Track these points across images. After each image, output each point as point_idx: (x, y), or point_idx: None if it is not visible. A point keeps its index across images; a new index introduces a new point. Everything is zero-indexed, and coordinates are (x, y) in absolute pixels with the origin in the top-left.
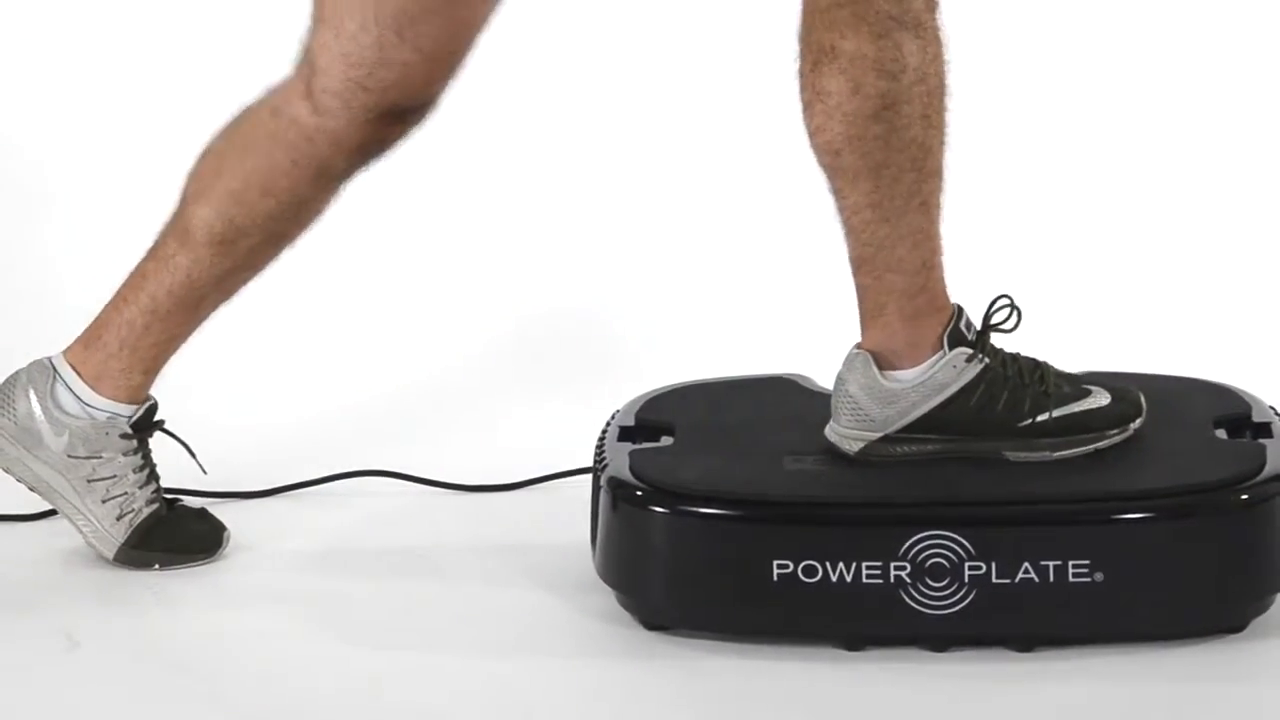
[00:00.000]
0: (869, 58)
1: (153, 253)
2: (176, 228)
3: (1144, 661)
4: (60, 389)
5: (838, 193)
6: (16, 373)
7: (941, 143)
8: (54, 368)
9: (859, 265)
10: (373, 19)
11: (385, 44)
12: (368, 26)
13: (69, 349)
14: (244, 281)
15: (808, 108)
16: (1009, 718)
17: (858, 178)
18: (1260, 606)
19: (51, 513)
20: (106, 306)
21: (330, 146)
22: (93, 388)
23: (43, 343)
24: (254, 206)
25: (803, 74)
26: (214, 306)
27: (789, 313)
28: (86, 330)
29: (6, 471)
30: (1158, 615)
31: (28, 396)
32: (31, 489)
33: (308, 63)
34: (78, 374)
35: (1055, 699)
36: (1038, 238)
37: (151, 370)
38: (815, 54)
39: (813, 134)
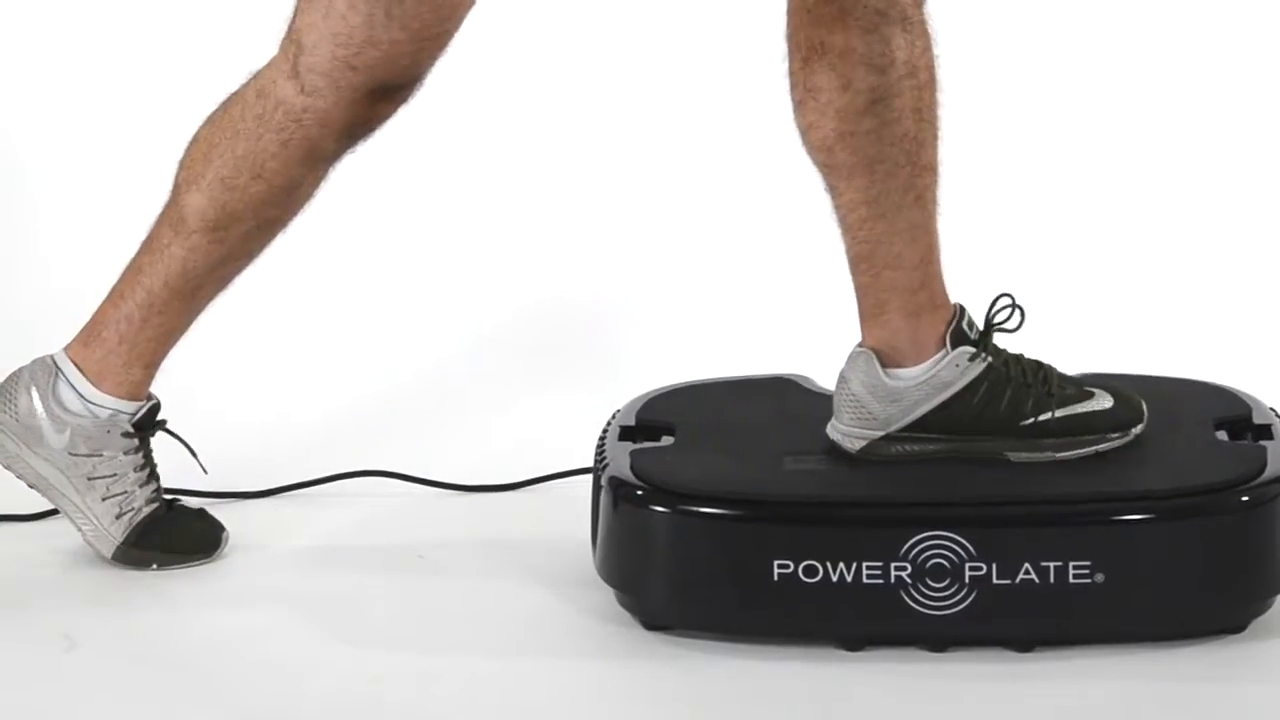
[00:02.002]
0: (857, 52)
1: (147, 245)
2: (170, 217)
3: (1144, 662)
4: (63, 386)
5: (833, 190)
6: (19, 370)
7: (935, 136)
8: (56, 365)
9: (857, 263)
10: None
11: (374, 23)
12: (356, 5)
13: (69, 346)
14: (239, 270)
15: (799, 106)
16: (1009, 718)
17: (852, 174)
18: (1260, 608)
19: (51, 513)
20: (104, 302)
21: (318, 126)
22: (95, 385)
23: (40, 343)
24: (245, 191)
25: (792, 72)
26: (210, 297)
27: (789, 313)
28: (85, 327)
29: (7, 468)
30: (1158, 617)
31: (30, 394)
32: (32, 486)
33: (294, 41)
34: (80, 371)
35: (1055, 699)
36: (1038, 239)
37: (151, 365)
38: (804, 51)
39: (805, 131)
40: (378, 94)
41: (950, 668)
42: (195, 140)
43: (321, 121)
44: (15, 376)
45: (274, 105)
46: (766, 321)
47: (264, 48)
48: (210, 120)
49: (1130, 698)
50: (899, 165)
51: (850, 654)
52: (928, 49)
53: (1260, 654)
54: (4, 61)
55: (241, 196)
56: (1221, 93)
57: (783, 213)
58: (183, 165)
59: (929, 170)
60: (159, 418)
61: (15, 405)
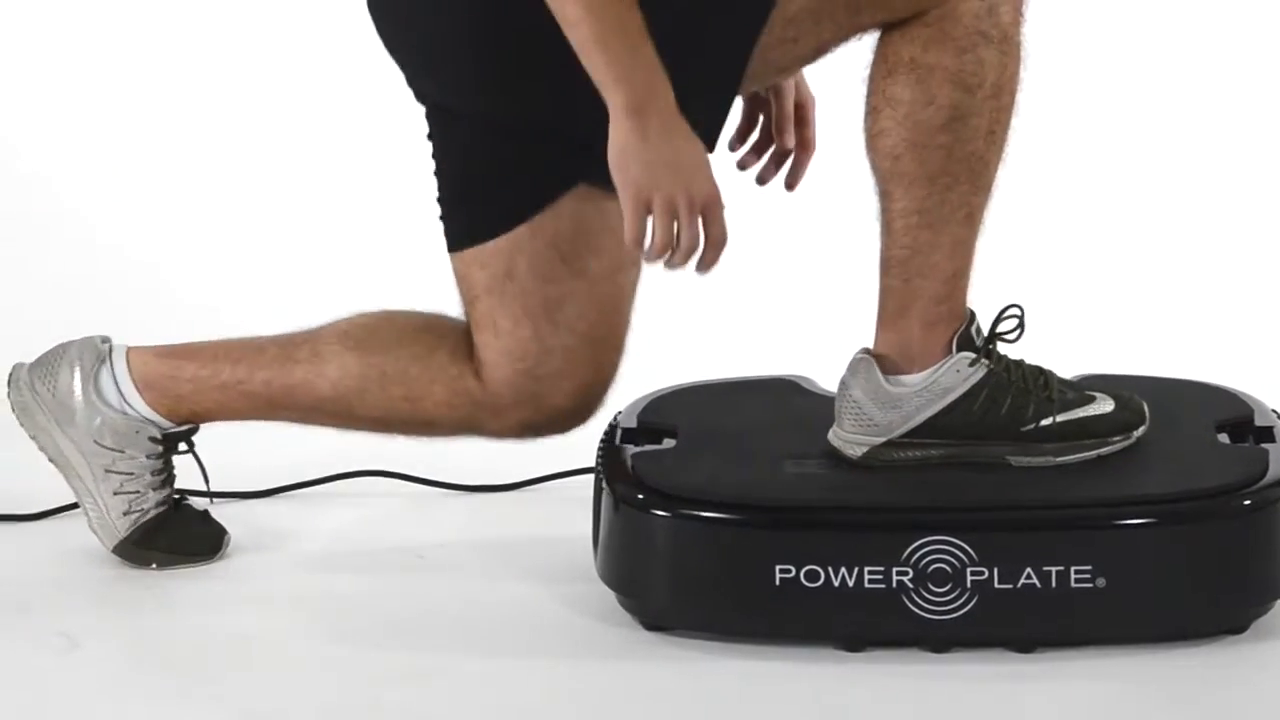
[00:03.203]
0: (949, 70)
1: (281, 343)
2: (315, 346)
3: (1145, 663)
4: (105, 376)
5: (886, 195)
6: (67, 344)
7: (1000, 158)
8: (109, 354)
9: (890, 266)
10: (523, 313)
11: (542, 333)
12: (520, 321)
13: (137, 349)
14: (324, 425)
15: (873, 112)
16: (1009, 718)
17: (912, 184)
18: (1262, 610)
19: (51, 513)
20: (205, 343)
21: (491, 413)
22: (139, 391)
23: (38, 345)
24: (390, 394)
25: (874, 79)
26: (284, 421)
27: (791, 313)
28: (170, 347)
29: (32, 437)
30: (1160, 621)
31: (72, 372)
32: (51, 460)
33: (477, 357)
34: (129, 371)
35: (1056, 699)
36: (1039, 240)
37: (196, 418)
38: (891, 63)
39: (873, 137)
40: (557, 410)
41: (951, 669)
42: (382, 314)
43: (496, 411)
44: (62, 350)
45: (459, 375)
46: (768, 322)
47: (263, 49)
48: (409, 316)
49: (1131, 699)
50: (959, 181)
51: (851, 655)
52: (1017, 71)
53: (1261, 655)
54: (4, 62)
55: (381, 397)
56: (1221, 94)
57: (785, 213)
58: (356, 319)
59: (986, 190)
60: (191, 440)
61: (55, 380)
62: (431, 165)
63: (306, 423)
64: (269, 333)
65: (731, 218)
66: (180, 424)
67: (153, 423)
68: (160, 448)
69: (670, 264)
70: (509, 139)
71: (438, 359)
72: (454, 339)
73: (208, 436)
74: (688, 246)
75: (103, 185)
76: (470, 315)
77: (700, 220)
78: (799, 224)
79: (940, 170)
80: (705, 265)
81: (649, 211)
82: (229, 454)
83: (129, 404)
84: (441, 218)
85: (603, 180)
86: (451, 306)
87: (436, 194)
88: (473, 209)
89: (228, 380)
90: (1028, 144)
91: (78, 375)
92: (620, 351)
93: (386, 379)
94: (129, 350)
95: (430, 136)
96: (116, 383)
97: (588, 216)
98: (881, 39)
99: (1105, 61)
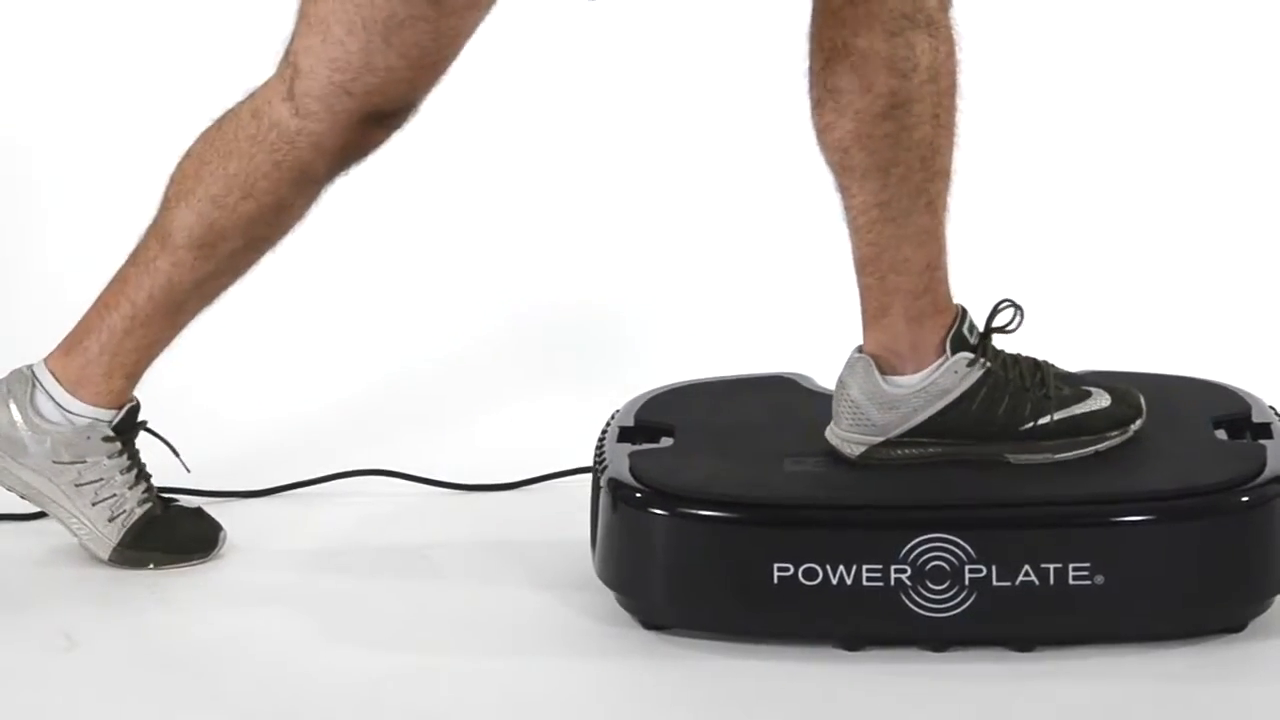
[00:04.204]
0: (881, 55)
1: (134, 257)
2: (158, 231)
3: (1143, 661)
4: (40, 396)
5: (845, 191)
6: None
7: (951, 143)
8: (34, 375)
9: (863, 265)
10: (360, 24)
11: (372, 49)
12: (355, 31)
13: (50, 356)
14: (225, 286)
15: (817, 105)
16: (1009, 717)
17: (866, 176)
18: (1260, 607)
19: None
20: (88, 312)
21: (312, 149)
22: (72, 394)
23: (35, 346)
24: (235, 209)
25: (813, 71)
26: (194, 312)
27: (789, 311)
28: (68, 336)
29: None
30: (1158, 617)
31: (8, 406)
32: (23, 496)
33: (290, 65)
34: (57, 380)
35: (1055, 698)
36: (1036, 237)
37: (133, 375)
38: (827, 52)
39: (821, 131)
40: (372, 120)
41: (950, 667)
42: (187, 156)
43: (315, 145)
44: None
45: (268, 126)
46: (766, 320)
47: (262, 50)
48: (203, 137)
49: (1130, 697)
50: (913, 170)
51: (849, 654)
52: (951, 54)
53: (1260, 654)
54: (5, 64)
55: (230, 215)
56: (1221, 92)
57: (782, 211)
58: (173, 180)
59: (942, 176)
60: (139, 419)
61: None
62: None
63: (212, 296)
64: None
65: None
66: (122, 402)
67: (99, 420)
68: (117, 444)
69: None
70: None
71: (242, 136)
72: (246, 106)
73: (207, 436)
74: None
75: (104, 186)
76: (304, 9)
77: None
78: (794, 221)
79: (891, 160)
80: None
81: None
82: (228, 453)
83: (69, 411)
84: None
85: None
86: (451, 306)
87: None
88: None
89: (124, 325)
90: (1026, 140)
91: (13, 406)
92: (440, 78)
93: (221, 199)
94: (45, 363)
95: None
96: (52, 398)
97: None
98: (812, 25)
99: (1104, 57)
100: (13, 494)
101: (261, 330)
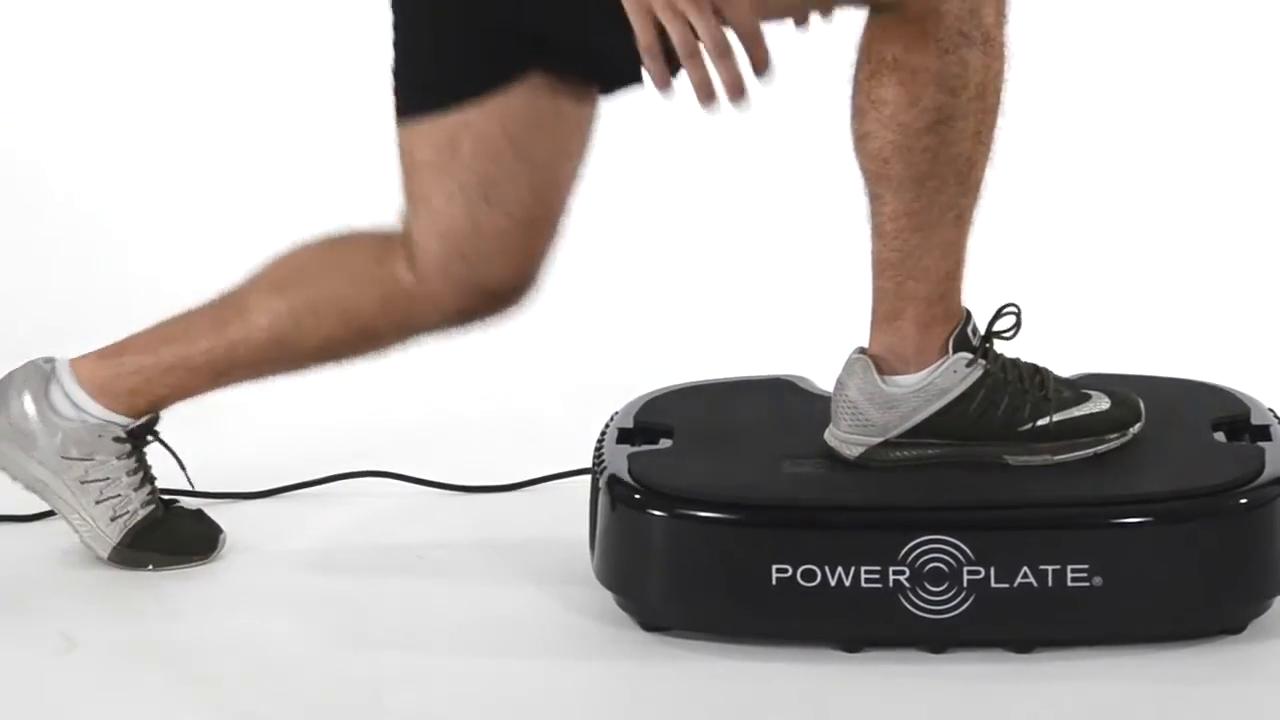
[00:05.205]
0: (932, 71)
1: (209, 310)
2: (240, 302)
3: (1142, 662)
4: (56, 392)
5: (876, 198)
6: (10, 373)
7: (986, 158)
8: (54, 371)
9: (882, 268)
10: (457, 190)
11: (475, 213)
12: (455, 198)
13: (80, 358)
14: (279, 374)
15: (859, 113)
16: (1006, 718)
17: (900, 187)
18: (1259, 609)
19: (50, 513)
20: (141, 332)
21: (428, 304)
22: (93, 397)
23: (37, 345)
24: (325, 321)
25: (858, 81)
26: (239, 382)
27: (788, 313)
28: (110, 347)
29: (3, 469)
30: (1157, 620)
31: (22, 397)
32: (28, 488)
33: (406, 236)
34: (79, 383)
35: (1054, 699)
36: (1036, 239)
37: (156, 405)
38: (874, 64)
39: (860, 139)
40: (488, 292)
41: (949, 668)
42: (301, 250)
43: (433, 303)
44: (7, 380)
45: (389, 275)
46: (765, 321)
47: (261, 50)
48: (325, 244)
49: (1129, 699)
50: (947, 183)
51: (848, 655)
52: (1001, 72)
53: (1259, 655)
54: (6, 64)
55: (319, 325)
56: (1220, 93)
57: (783, 213)
58: (275, 265)
59: (974, 190)
60: (155, 429)
61: (8, 409)
62: (390, 35)
63: (258, 377)
64: (197, 304)
65: (729, 217)
66: (140, 417)
67: (113, 423)
68: (127, 446)
69: (706, 91)
70: (468, 15)
71: (361, 267)
72: (374, 244)
73: (206, 437)
74: (713, 44)
75: (107, 187)
76: (407, 190)
77: (717, 12)
78: (794, 222)
79: (928, 173)
80: (757, 64)
81: (654, 16)
82: (229, 455)
83: (85, 410)
84: (393, 86)
85: (559, 69)
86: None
87: (391, 64)
88: (426, 79)
89: (171, 361)
90: (1025, 143)
91: (28, 398)
92: (552, 239)
93: (317, 308)
94: (72, 362)
95: (392, 5)
96: (68, 395)
97: (540, 105)
98: (864, 35)
99: (1103, 60)
100: (15, 487)
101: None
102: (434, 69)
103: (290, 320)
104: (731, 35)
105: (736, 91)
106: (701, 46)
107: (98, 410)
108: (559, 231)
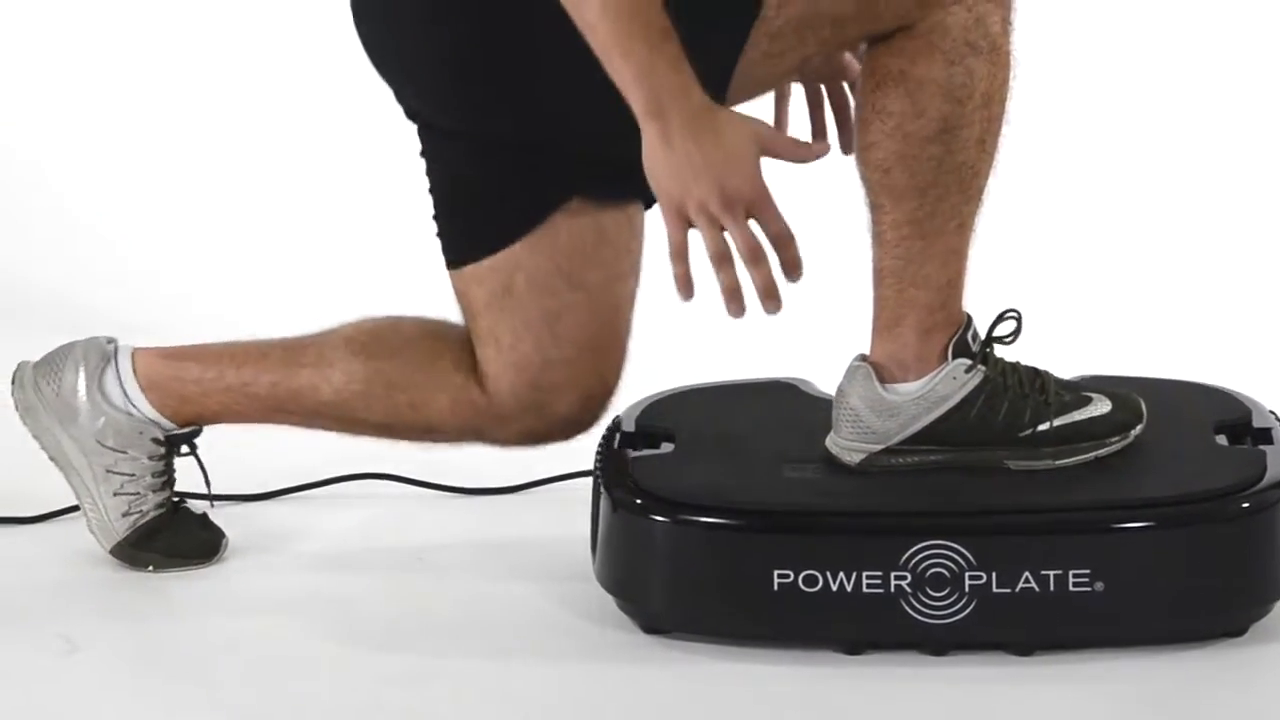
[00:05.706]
0: (938, 82)
1: (286, 346)
2: (321, 351)
3: (1142, 665)
4: (110, 377)
5: (877, 207)
6: (72, 344)
7: (990, 166)
8: (114, 355)
9: (884, 276)
10: (522, 326)
11: (544, 346)
12: (521, 335)
13: (142, 350)
14: (328, 430)
15: (863, 124)
16: None
17: (903, 196)
18: (1261, 612)
19: (50, 515)
20: (215, 345)
21: (496, 422)
22: (143, 391)
23: (37, 345)
24: (395, 402)
25: (863, 91)
26: (288, 423)
27: (789, 316)
28: (173, 348)
29: (35, 436)
30: (1159, 624)
31: (77, 372)
32: (51, 459)
33: (481, 369)
34: (135, 374)
35: (1055, 702)
36: (1037, 241)
37: (200, 419)
38: (881, 76)
39: (864, 149)
40: (562, 419)
41: (950, 672)
42: (390, 321)
43: (500, 419)
44: (67, 350)
45: (463, 384)
46: (766, 324)
47: (271, 53)
48: (416, 324)
49: (1130, 702)
50: (950, 191)
51: (849, 658)
52: (1006, 80)
53: (1260, 658)
54: (6, 63)
55: (387, 404)
56: (1220, 95)
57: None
58: (364, 327)
59: (977, 198)
60: (194, 442)
61: (60, 380)
62: (426, 182)
63: (309, 426)
64: (275, 336)
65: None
66: (184, 426)
67: (156, 424)
68: (163, 449)
69: (735, 298)
70: (499, 156)
71: (442, 366)
72: (458, 347)
73: (209, 438)
74: (746, 251)
75: (108, 188)
76: (472, 330)
77: (750, 220)
78: (796, 227)
79: (931, 182)
80: (789, 267)
81: (687, 222)
82: (230, 456)
83: (134, 404)
84: (438, 235)
85: (597, 193)
86: (451, 307)
87: (432, 211)
88: (467, 227)
89: (233, 383)
90: (1026, 146)
91: (82, 375)
92: (622, 359)
93: (392, 385)
94: (134, 351)
95: (423, 154)
96: (121, 383)
97: (584, 230)
98: (869, 51)
99: (1103, 63)
100: (19, 489)
101: (263, 331)
102: (477, 216)
103: (363, 387)
104: (762, 238)
105: (770, 296)
106: (734, 251)
107: (146, 407)
108: (626, 354)
